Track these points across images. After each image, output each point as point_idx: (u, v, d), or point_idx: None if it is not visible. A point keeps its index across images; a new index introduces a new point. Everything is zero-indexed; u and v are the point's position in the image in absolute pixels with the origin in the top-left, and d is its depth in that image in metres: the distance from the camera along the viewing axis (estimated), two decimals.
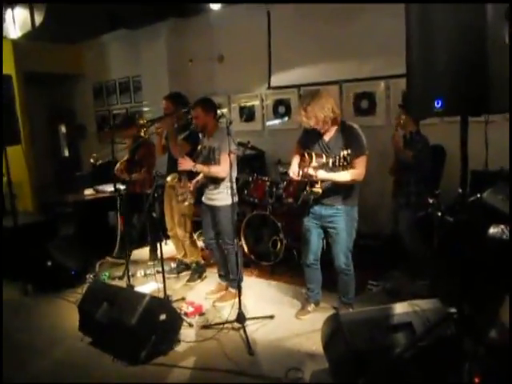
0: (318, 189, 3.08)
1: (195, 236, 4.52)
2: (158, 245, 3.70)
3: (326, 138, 3.18)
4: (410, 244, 3.85)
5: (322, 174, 3.00)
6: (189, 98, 4.44)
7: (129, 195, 4.62)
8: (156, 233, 4.08)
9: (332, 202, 3.18)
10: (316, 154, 3.03)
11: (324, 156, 2.97)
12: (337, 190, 3.12)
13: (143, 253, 5.04)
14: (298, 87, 5.61)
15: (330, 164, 2.84)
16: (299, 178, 3.15)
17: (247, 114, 6.19)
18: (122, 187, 4.70)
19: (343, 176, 3.00)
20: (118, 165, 4.71)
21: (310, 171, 2.98)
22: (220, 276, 4.09)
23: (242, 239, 4.81)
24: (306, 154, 3.08)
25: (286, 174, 3.88)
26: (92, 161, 4.68)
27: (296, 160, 3.34)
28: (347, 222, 3.19)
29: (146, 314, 2.92)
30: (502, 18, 1.84)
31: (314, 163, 2.99)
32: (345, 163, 2.75)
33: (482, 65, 1.78)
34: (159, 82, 6.58)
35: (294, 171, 3.24)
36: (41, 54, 7.29)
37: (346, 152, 2.74)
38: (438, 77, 1.92)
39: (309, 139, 3.25)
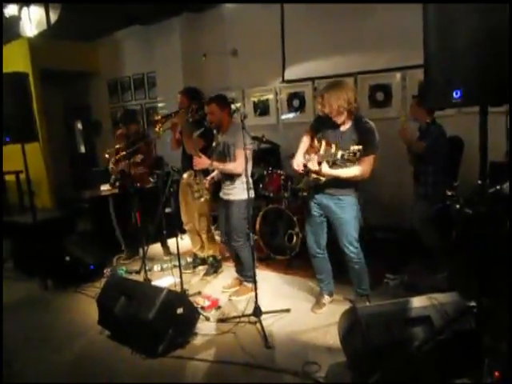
0: (320, 177, 3.10)
1: (213, 230, 4.54)
2: (175, 239, 3.71)
3: (342, 128, 3.16)
4: (422, 236, 3.81)
5: (326, 170, 2.98)
6: (204, 92, 4.45)
7: (137, 190, 4.62)
8: (171, 228, 4.11)
9: (334, 191, 3.17)
10: (326, 142, 3.03)
11: (333, 146, 2.96)
12: (340, 182, 3.10)
13: (159, 248, 5.08)
14: (312, 80, 5.58)
15: (339, 156, 2.83)
16: (303, 171, 3.16)
17: (261, 108, 6.18)
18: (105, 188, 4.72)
19: (348, 172, 2.99)
20: (111, 159, 4.73)
21: (313, 165, 2.99)
22: (237, 270, 4.10)
23: (258, 233, 4.81)
24: (316, 140, 3.07)
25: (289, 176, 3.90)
26: (107, 156, 4.71)
27: (303, 146, 3.33)
28: (350, 211, 3.18)
29: (164, 307, 2.94)
30: None
31: (322, 152, 3.00)
32: (354, 159, 2.74)
33: (503, 54, 1.74)
34: (173, 78, 6.61)
35: (298, 163, 3.24)
36: (56, 51, 7.37)
37: (357, 147, 2.73)
38: (456, 67, 1.88)
39: (323, 125, 3.23)
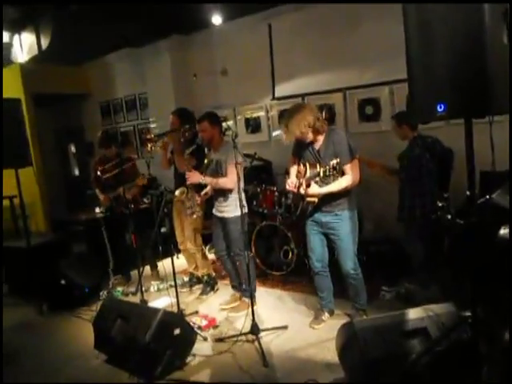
0: (312, 199, 3.18)
1: (206, 249, 4.53)
2: (170, 259, 3.71)
3: (316, 146, 3.23)
4: (410, 255, 3.81)
5: (315, 189, 3.07)
6: (195, 112, 4.51)
7: (131, 213, 4.51)
8: (166, 247, 4.11)
9: (331, 208, 3.21)
10: (310, 165, 3.14)
11: (318, 165, 3.05)
12: (333, 196, 3.15)
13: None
14: (302, 96, 5.64)
15: (321, 174, 2.91)
16: (296, 191, 3.22)
17: (253, 126, 6.23)
18: (99, 210, 4.72)
19: (339, 185, 3.05)
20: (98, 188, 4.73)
21: (304, 190, 3.09)
22: (233, 287, 4.10)
23: (253, 250, 4.82)
24: (302, 165, 3.19)
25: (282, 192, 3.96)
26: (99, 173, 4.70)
27: (293, 171, 3.42)
28: (348, 227, 3.21)
29: (160, 329, 2.92)
30: (500, 19, 1.85)
31: (308, 174, 3.10)
32: (335, 172, 2.82)
33: (482, 67, 1.79)
34: (165, 98, 6.67)
35: (291, 181, 3.30)
36: (48, 76, 7.43)
37: (334, 162, 2.81)
38: (438, 81, 1.92)
39: (301, 149, 3.31)
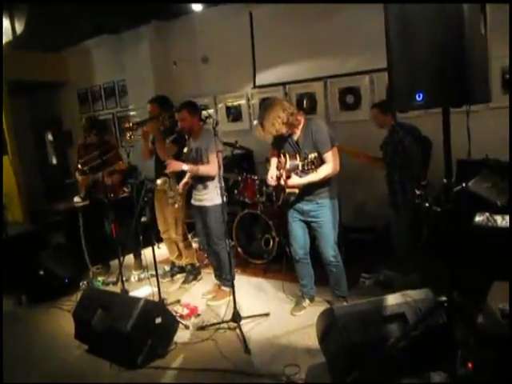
0: (293, 190, 3.22)
1: (189, 237, 4.53)
2: (151, 248, 3.69)
3: (295, 137, 3.26)
4: (395, 244, 3.86)
5: (295, 181, 3.11)
6: (175, 99, 4.45)
7: (111, 201, 4.45)
8: (147, 237, 4.07)
9: (312, 197, 3.25)
10: (289, 156, 3.18)
11: (297, 157, 3.10)
12: (314, 185, 3.18)
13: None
14: (283, 85, 5.63)
15: (300, 167, 2.95)
16: (276, 183, 3.28)
17: (234, 114, 6.19)
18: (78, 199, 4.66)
19: (319, 174, 3.07)
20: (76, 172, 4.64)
21: (284, 181, 3.14)
22: (216, 276, 4.11)
23: (234, 239, 4.83)
24: (282, 156, 3.23)
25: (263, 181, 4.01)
26: (79, 166, 4.62)
27: (274, 163, 3.44)
28: (329, 215, 3.25)
29: (141, 318, 2.92)
30: (478, 9, 1.87)
31: (288, 165, 3.13)
32: (313, 166, 2.85)
33: (461, 56, 1.81)
34: (144, 86, 6.56)
35: (271, 175, 3.36)
36: (24, 62, 7.21)
37: (313, 155, 2.86)
38: (417, 70, 1.94)
39: (281, 140, 3.33)
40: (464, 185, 2.73)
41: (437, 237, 3.25)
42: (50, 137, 9.18)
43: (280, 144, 3.33)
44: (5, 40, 5.94)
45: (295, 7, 5.26)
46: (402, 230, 3.80)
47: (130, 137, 3.92)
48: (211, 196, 3.66)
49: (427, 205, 3.07)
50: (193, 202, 3.86)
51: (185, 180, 3.89)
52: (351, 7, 4.84)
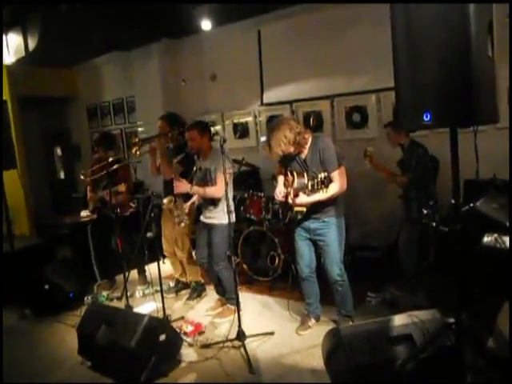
0: (301, 208, 3.21)
1: (194, 255, 4.51)
2: (156, 264, 3.68)
3: (302, 155, 3.27)
4: (402, 260, 3.84)
5: (303, 199, 3.11)
6: (183, 116, 4.48)
7: (118, 217, 4.44)
8: (152, 252, 4.07)
9: (319, 215, 3.24)
10: (297, 174, 3.17)
11: (305, 175, 3.10)
12: (321, 203, 3.17)
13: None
14: (290, 103, 5.68)
15: (309, 187, 2.96)
16: (284, 200, 3.27)
17: (241, 131, 6.24)
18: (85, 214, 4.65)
19: (325, 195, 3.04)
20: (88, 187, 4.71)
21: (292, 200, 3.15)
22: (217, 292, 4.08)
23: (240, 255, 4.81)
24: (289, 173, 3.23)
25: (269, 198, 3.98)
26: (82, 178, 4.67)
27: (281, 180, 3.43)
28: (336, 234, 3.23)
29: (146, 335, 2.90)
30: (485, 31, 1.89)
31: (296, 184, 3.13)
32: (323, 186, 2.84)
33: (468, 77, 1.82)
34: (153, 102, 6.64)
35: (279, 192, 3.36)
36: (35, 78, 7.35)
37: (323, 175, 2.84)
38: (425, 90, 1.95)
39: (288, 158, 3.32)
40: (472, 205, 2.71)
41: (444, 257, 3.22)
42: (58, 151, 9.27)
43: (287, 162, 3.34)
44: (17, 56, 6.06)
45: (303, 25, 5.34)
46: (410, 247, 3.79)
47: (136, 152, 3.94)
48: (220, 215, 3.64)
49: (434, 224, 3.05)
50: (202, 219, 3.86)
51: (192, 200, 3.90)
52: (359, 25, 4.89)
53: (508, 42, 2.45)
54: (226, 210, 3.37)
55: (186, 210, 3.90)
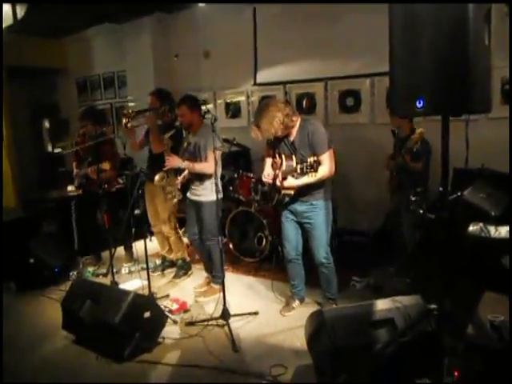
0: (289, 191, 3.21)
1: (181, 232, 4.51)
2: (143, 241, 3.67)
3: (291, 138, 3.24)
4: (410, 243, 3.82)
5: (291, 182, 3.11)
6: (175, 92, 4.43)
7: (104, 193, 4.41)
8: (140, 229, 4.05)
9: (306, 198, 3.24)
10: (286, 156, 3.16)
11: (293, 158, 3.08)
12: (309, 186, 3.16)
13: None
14: (283, 84, 5.61)
15: (299, 170, 2.94)
16: (271, 181, 3.25)
17: (233, 111, 6.18)
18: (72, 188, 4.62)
19: (313, 177, 3.02)
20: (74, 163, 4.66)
21: (280, 182, 3.14)
22: (206, 270, 4.10)
23: (227, 235, 4.82)
24: (277, 156, 3.21)
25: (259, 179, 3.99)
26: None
27: (268, 162, 3.41)
28: (323, 217, 3.24)
29: (130, 311, 2.91)
30: (482, 21, 1.87)
31: (284, 167, 3.12)
32: (312, 169, 2.84)
33: (464, 66, 1.80)
34: (144, 78, 6.52)
35: (267, 174, 3.33)
36: (23, 47, 7.15)
37: (312, 159, 2.83)
38: (419, 77, 1.93)
39: (276, 140, 3.30)
40: (459, 194, 2.73)
41: (429, 244, 3.26)
42: (46, 124, 9.10)
43: (275, 144, 3.31)
44: (5, 24, 5.88)
45: (300, 7, 5.24)
46: (409, 231, 3.81)
47: (126, 124, 3.88)
48: (207, 192, 3.64)
49: (421, 211, 3.08)
50: (189, 195, 3.85)
51: (183, 175, 3.88)
52: (355, 10, 4.82)
53: (504, 32, 2.44)
54: (213, 187, 3.37)
55: (179, 186, 3.88)
